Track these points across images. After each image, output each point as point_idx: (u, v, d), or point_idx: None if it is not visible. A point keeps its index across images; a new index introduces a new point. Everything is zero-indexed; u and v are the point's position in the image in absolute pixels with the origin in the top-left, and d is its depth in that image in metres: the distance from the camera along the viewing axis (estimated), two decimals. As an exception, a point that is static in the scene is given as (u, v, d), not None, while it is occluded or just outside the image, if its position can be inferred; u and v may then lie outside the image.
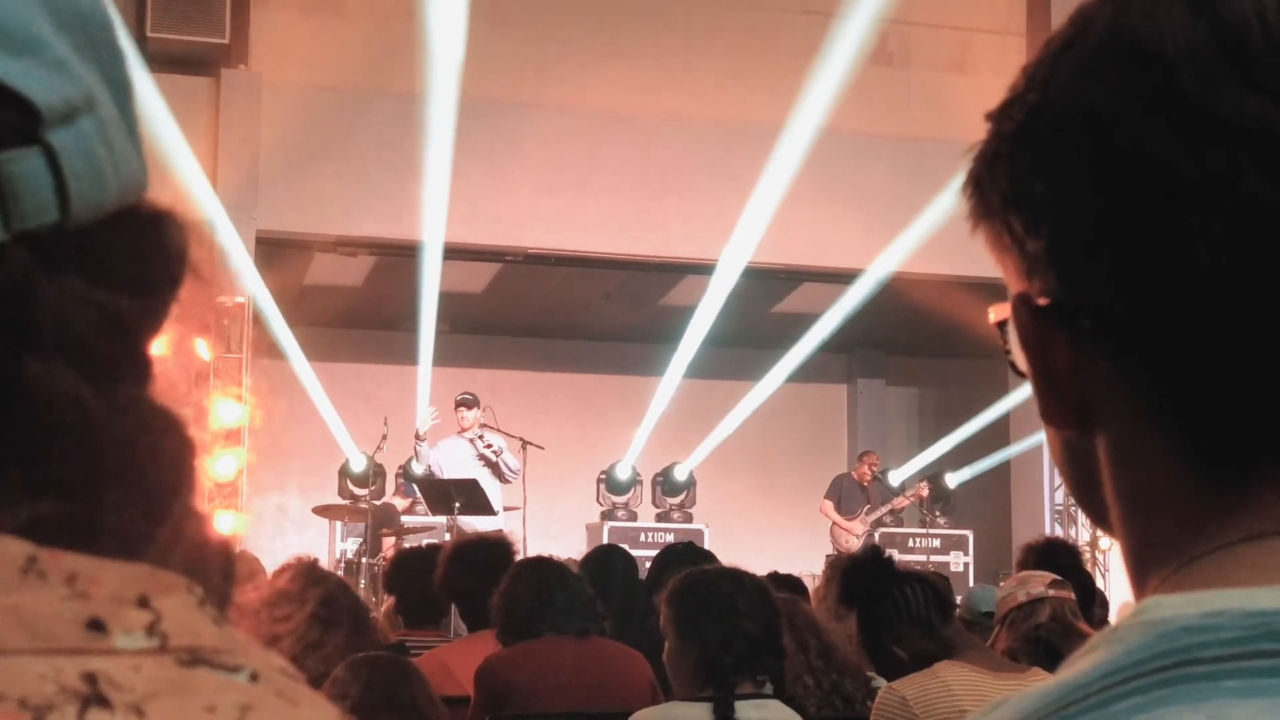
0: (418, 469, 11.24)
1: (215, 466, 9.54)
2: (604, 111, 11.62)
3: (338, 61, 11.09)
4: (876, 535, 12.63)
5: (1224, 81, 0.58)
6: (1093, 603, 5.32)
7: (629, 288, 13.19)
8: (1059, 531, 12.24)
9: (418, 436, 10.87)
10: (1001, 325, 0.68)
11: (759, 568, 3.94)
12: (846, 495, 12.95)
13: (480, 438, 10.76)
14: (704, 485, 13.47)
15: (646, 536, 12.41)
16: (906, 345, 15.54)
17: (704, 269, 11.92)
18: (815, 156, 11.26)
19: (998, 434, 13.56)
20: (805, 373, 13.83)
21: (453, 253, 11.37)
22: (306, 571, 4.27)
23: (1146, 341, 0.61)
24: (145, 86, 9.26)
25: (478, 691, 4.18)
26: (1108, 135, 0.61)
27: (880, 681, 3.82)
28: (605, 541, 10.63)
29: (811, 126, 11.25)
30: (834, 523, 12.84)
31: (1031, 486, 13.41)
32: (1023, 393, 8.82)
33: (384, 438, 10.85)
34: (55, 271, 0.47)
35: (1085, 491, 0.67)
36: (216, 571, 0.51)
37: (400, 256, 11.58)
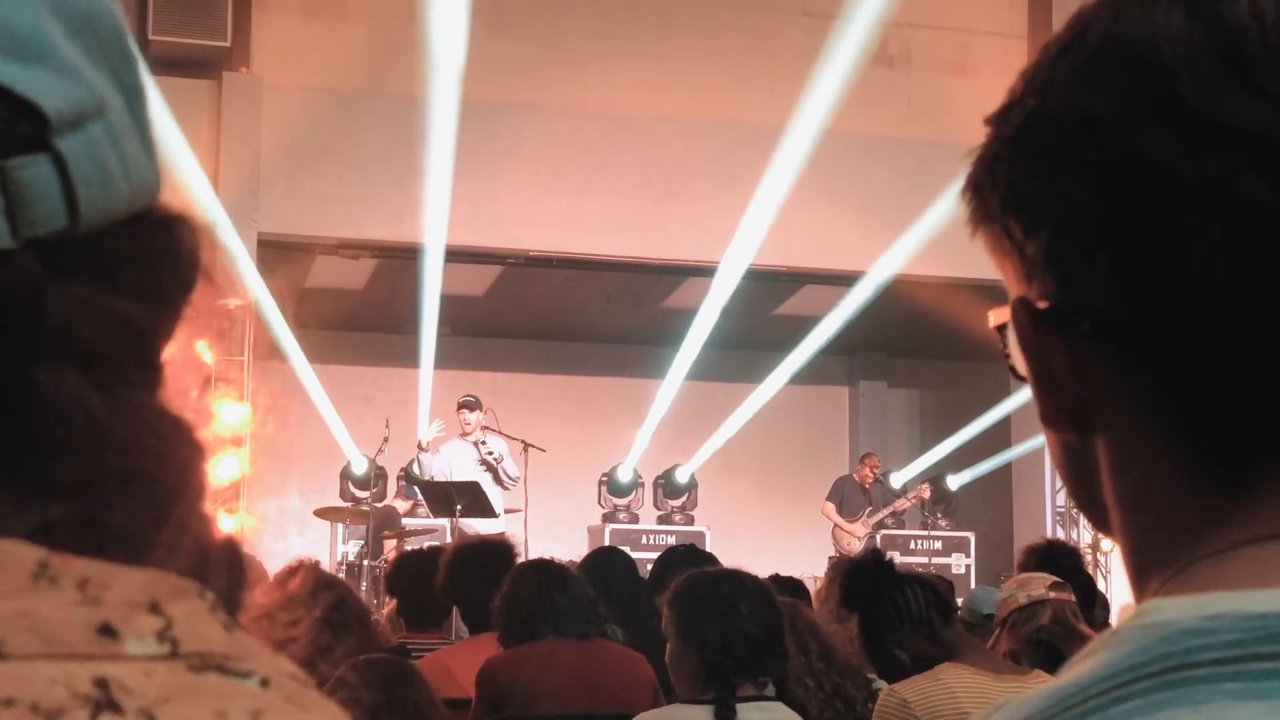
0: (419, 472, 11.24)
1: (217, 469, 9.53)
2: (605, 114, 11.60)
3: (339, 64, 11.08)
4: (878, 537, 12.63)
5: (1222, 85, 0.58)
6: (1094, 605, 5.31)
7: (630, 290, 13.17)
8: (1060, 534, 12.22)
9: (420, 447, 10.86)
10: (1001, 329, 0.68)
11: (761, 570, 3.92)
12: (848, 497, 12.93)
13: (482, 442, 10.75)
14: (705, 487, 13.45)
15: (648, 539, 12.38)
16: (908, 347, 15.52)
17: (705, 271, 11.90)
18: (816, 159, 11.24)
19: (999, 436, 13.54)
20: (807, 375, 13.82)
21: (454, 255, 11.35)
22: (316, 575, 4.26)
23: (1146, 345, 0.61)
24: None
25: (479, 694, 4.18)
26: (1106, 139, 0.61)
27: (881, 684, 3.83)
28: (607, 544, 10.61)
29: (813, 129, 11.23)
30: (835, 525, 12.82)
31: (1033, 489, 13.40)
32: (1024, 395, 8.81)
33: (385, 440, 10.84)
34: (64, 277, 0.48)
35: (1085, 494, 0.67)
36: (226, 576, 0.51)
37: (401, 259, 11.57)
